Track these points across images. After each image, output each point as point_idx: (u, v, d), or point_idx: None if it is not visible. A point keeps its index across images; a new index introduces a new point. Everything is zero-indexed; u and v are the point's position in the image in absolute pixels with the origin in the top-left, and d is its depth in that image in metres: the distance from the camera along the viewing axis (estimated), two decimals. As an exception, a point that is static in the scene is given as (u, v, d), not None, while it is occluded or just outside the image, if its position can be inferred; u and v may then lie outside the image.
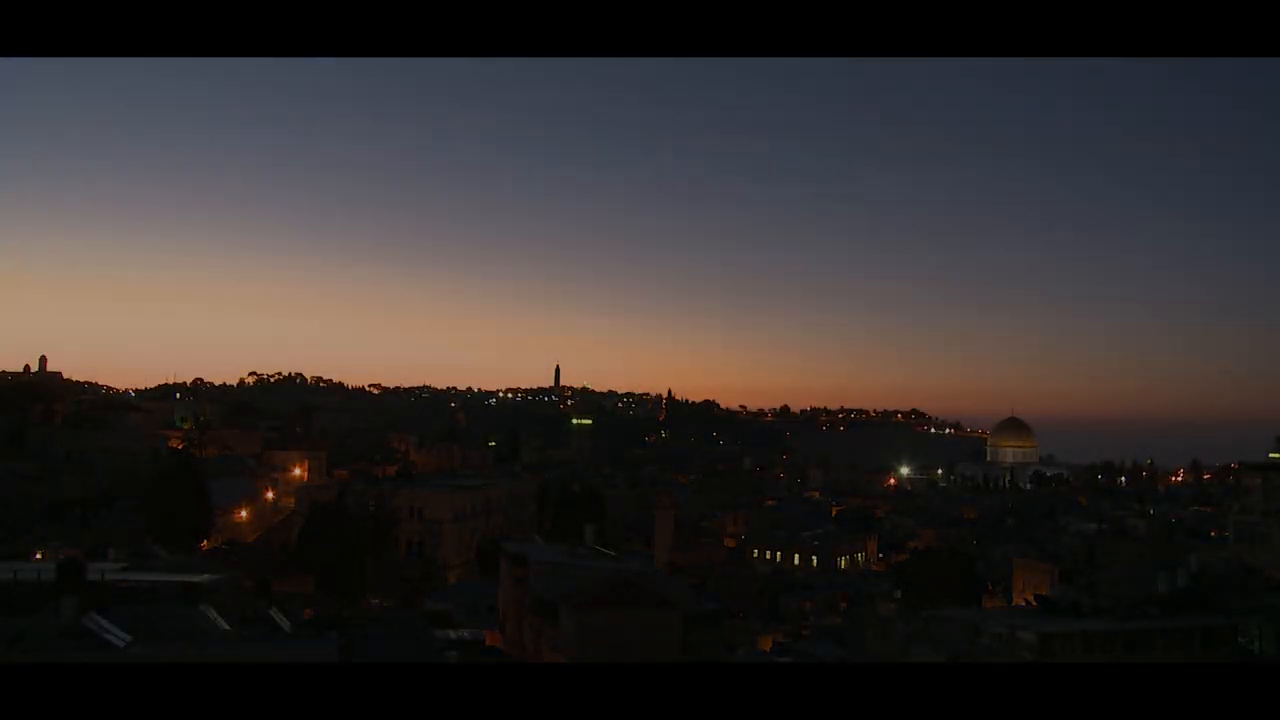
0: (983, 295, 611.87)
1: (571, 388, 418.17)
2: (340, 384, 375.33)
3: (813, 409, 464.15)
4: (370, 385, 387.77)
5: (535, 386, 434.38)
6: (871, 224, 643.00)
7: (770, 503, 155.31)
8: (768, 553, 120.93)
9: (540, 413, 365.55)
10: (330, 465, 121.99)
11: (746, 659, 50.92)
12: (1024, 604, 53.31)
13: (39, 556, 51.74)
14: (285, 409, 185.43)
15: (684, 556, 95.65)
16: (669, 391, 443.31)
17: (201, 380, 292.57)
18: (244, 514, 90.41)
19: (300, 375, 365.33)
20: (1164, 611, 46.01)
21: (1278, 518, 57.64)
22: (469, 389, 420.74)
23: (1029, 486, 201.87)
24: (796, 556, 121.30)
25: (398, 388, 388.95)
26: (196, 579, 42.88)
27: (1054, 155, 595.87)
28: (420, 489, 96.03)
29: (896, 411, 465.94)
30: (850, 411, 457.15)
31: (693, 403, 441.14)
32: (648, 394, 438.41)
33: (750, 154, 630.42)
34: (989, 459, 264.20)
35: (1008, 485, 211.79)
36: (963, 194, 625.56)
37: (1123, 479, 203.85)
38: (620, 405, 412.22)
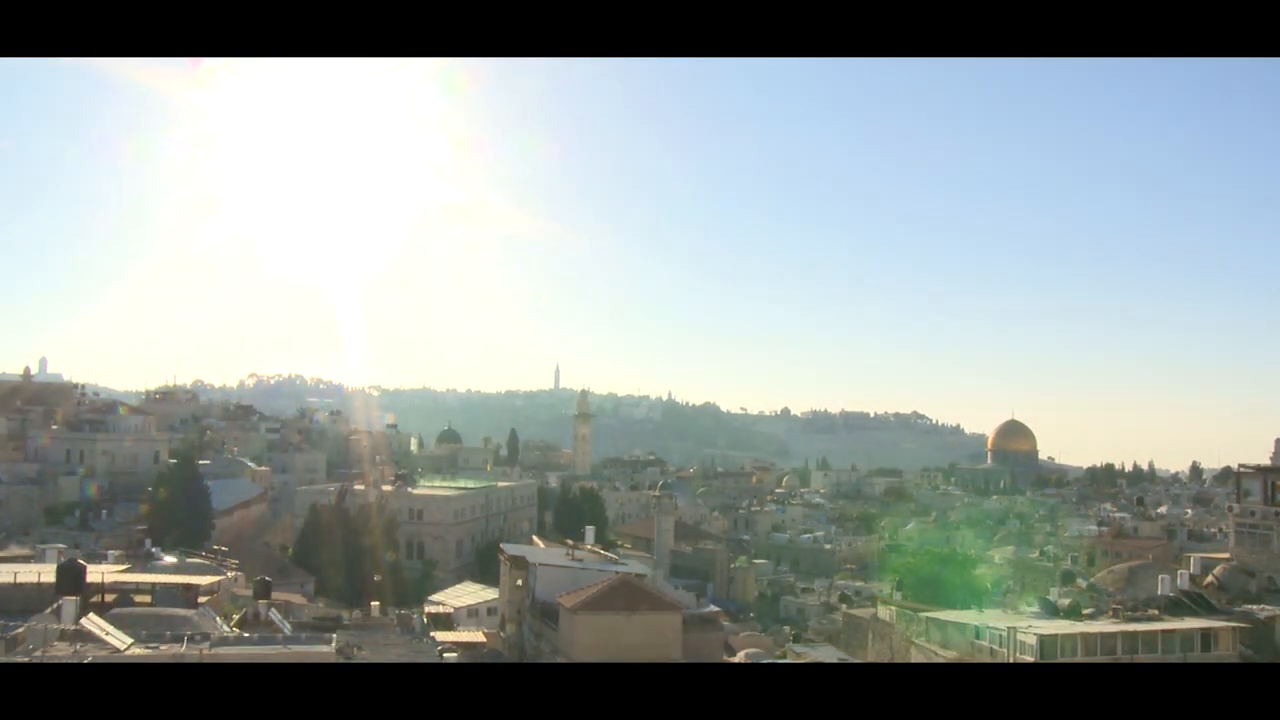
0: (983, 296, 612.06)
1: (571, 389, 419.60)
2: (340, 385, 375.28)
3: (814, 411, 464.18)
4: (370, 386, 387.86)
5: (535, 388, 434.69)
6: (872, 224, 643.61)
7: (771, 504, 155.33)
8: (768, 554, 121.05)
9: (540, 413, 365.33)
10: (330, 467, 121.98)
11: (746, 660, 50.89)
12: (1024, 605, 53.27)
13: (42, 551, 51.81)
14: (285, 410, 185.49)
15: (684, 558, 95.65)
16: (669, 393, 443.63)
17: (201, 382, 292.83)
18: (244, 516, 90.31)
19: (300, 376, 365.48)
20: (1164, 613, 46.00)
21: (1277, 519, 57.59)
22: (469, 389, 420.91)
23: (1029, 488, 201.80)
24: (797, 558, 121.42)
25: (398, 389, 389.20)
26: (196, 580, 42.85)
27: (1054, 155, 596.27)
28: (420, 491, 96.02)
29: (897, 413, 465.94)
30: (851, 413, 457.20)
31: (694, 405, 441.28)
32: (648, 396, 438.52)
33: (749, 156, 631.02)
34: (990, 460, 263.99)
35: (1008, 487, 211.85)
36: (963, 195, 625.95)
37: (1123, 481, 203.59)
38: (621, 407, 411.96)
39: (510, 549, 60.06)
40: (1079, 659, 40.30)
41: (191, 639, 29.14)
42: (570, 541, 64.06)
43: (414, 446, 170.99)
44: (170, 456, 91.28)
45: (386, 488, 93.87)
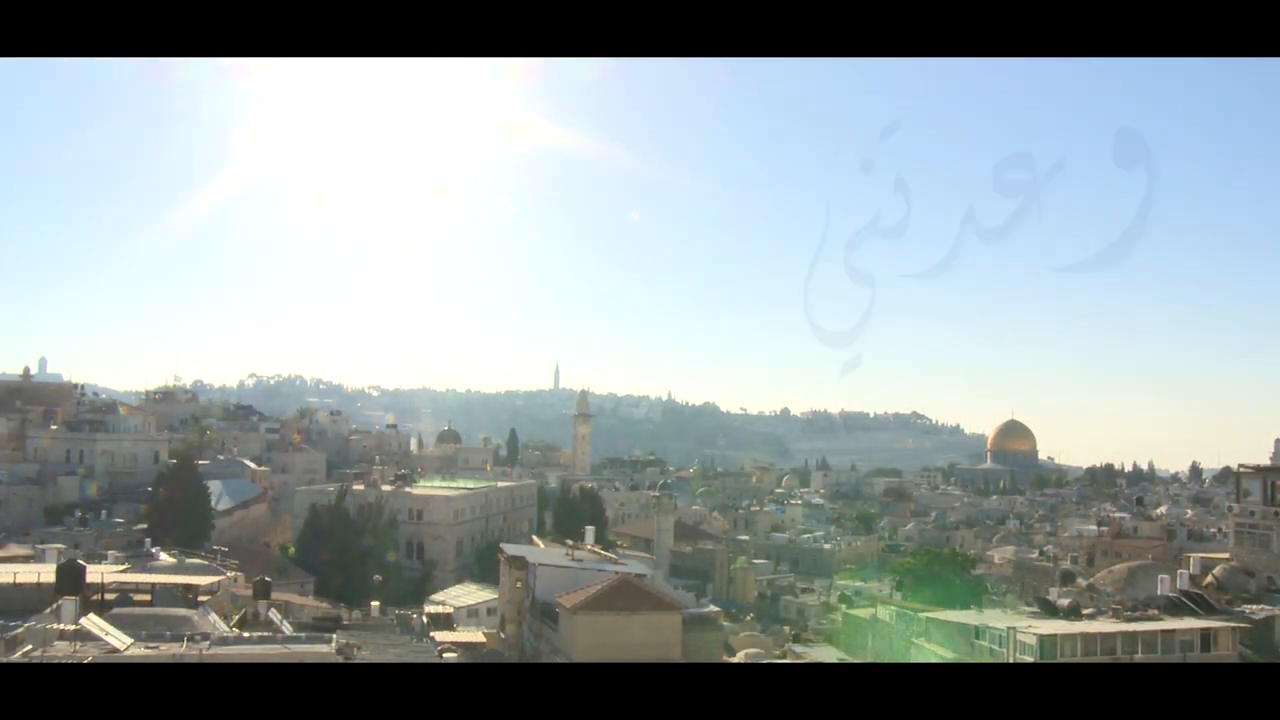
0: (984, 296, 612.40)
1: (571, 389, 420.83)
2: (340, 385, 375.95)
3: (813, 411, 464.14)
4: (370, 386, 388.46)
5: (535, 388, 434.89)
6: (872, 224, 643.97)
7: (770, 504, 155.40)
8: (768, 554, 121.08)
9: (540, 413, 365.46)
10: (330, 467, 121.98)
11: (746, 660, 50.89)
12: (1024, 605, 53.28)
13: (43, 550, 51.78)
14: (285, 410, 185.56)
15: (684, 558, 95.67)
16: (669, 393, 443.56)
17: (201, 382, 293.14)
18: (244, 516, 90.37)
19: (300, 377, 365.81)
20: (1164, 614, 46.00)
21: (1277, 519, 57.60)
22: (469, 389, 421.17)
23: (1029, 488, 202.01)
24: (797, 558, 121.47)
25: (397, 389, 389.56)
26: (196, 580, 42.83)
27: (1052, 154, 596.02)
28: (420, 491, 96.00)
29: (897, 413, 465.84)
30: (851, 413, 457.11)
31: (693, 405, 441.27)
32: (648, 396, 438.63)
33: (749, 156, 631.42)
34: (990, 460, 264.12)
35: (1008, 487, 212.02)
36: (962, 194, 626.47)
37: (1123, 481, 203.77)
38: (621, 407, 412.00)
39: (510, 549, 60.04)
40: (1079, 659, 40.30)
41: (191, 639, 29.14)
42: (570, 541, 64.09)
43: (414, 446, 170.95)
44: (170, 456, 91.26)
45: (386, 488, 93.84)
